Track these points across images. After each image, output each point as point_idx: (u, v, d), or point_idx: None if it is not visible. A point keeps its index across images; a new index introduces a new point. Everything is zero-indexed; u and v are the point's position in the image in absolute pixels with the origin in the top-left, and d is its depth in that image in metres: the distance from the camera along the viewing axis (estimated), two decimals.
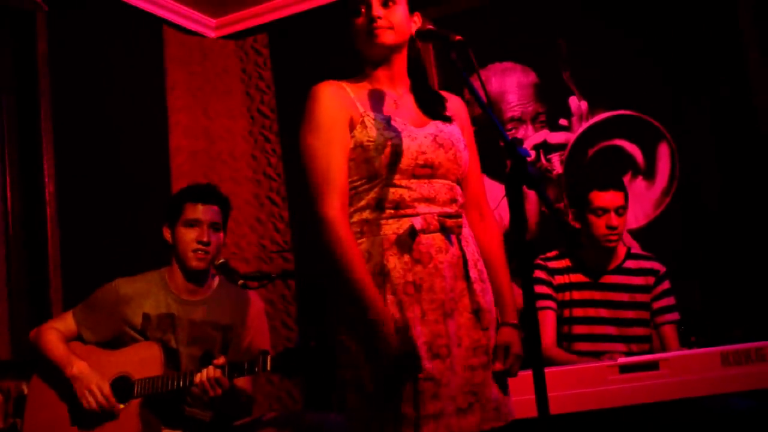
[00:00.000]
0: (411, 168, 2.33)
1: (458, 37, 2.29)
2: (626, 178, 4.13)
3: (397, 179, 2.33)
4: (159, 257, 3.38)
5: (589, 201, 3.51)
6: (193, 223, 3.26)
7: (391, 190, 2.33)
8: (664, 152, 4.11)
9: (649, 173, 4.13)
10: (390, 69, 2.47)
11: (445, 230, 2.35)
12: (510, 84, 4.45)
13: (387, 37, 2.41)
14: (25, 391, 3.37)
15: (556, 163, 4.31)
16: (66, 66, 4.25)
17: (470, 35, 4.33)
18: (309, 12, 4.83)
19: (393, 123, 2.37)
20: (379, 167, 2.32)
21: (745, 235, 3.92)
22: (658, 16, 4.15)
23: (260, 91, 5.02)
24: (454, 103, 2.57)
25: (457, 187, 2.43)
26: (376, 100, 2.43)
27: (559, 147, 4.32)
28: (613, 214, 3.48)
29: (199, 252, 3.24)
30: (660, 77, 4.11)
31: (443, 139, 2.40)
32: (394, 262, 2.30)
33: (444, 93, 2.57)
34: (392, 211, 2.33)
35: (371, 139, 2.33)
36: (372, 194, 2.34)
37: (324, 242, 2.30)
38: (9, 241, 4.04)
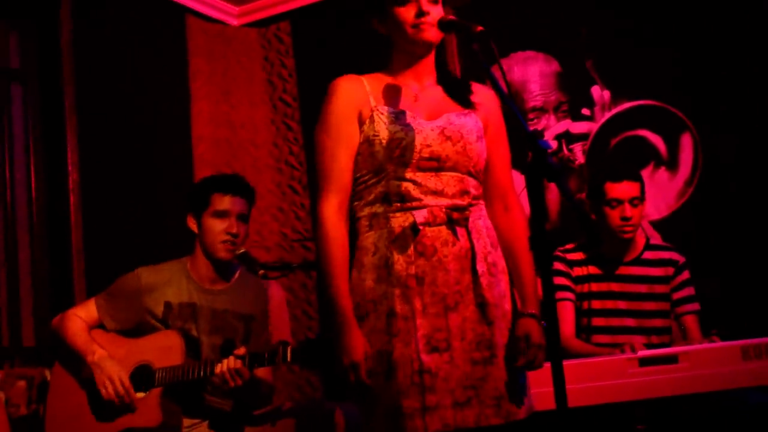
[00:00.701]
0: (416, 161, 2.34)
1: (480, 28, 2.28)
2: (648, 169, 4.11)
3: (403, 172, 2.34)
4: (181, 246, 3.39)
5: (603, 192, 3.49)
6: (222, 215, 3.26)
7: (398, 183, 2.34)
8: (687, 143, 4.09)
9: (672, 164, 4.11)
10: (420, 63, 2.48)
11: (451, 223, 2.34)
12: (532, 73, 4.43)
13: (432, 35, 2.42)
14: (48, 377, 3.40)
15: (579, 153, 4.29)
16: (90, 54, 4.27)
17: (492, 23, 4.33)
18: (331, 0, 4.84)
19: (402, 117, 2.38)
20: (383, 161, 2.35)
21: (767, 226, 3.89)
22: (681, 5, 4.11)
23: (282, 79, 5.02)
24: (484, 95, 2.54)
25: (469, 179, 2.41)
26: (393, 93, 2.44)
27: (581, 137, 4.30)
28: (627, 205, 3.46)
29: (228, 243, 3.25)
30: (683, 67, 4.08)
31: (452, 131, 2.39)
32: (398, 255, 2.32)
33: (475, 84, 2.55)
34: (399, 204, 2.34)
35: (376, 134, 2.36)
36: (379, 188, 2.37)
37: (315, 237, 2.41)
38: (33, 229, 4.08)
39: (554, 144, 4.34)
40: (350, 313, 2.32)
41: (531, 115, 4.41)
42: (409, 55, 2.47)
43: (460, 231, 2.36)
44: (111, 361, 3.16)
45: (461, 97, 2.49)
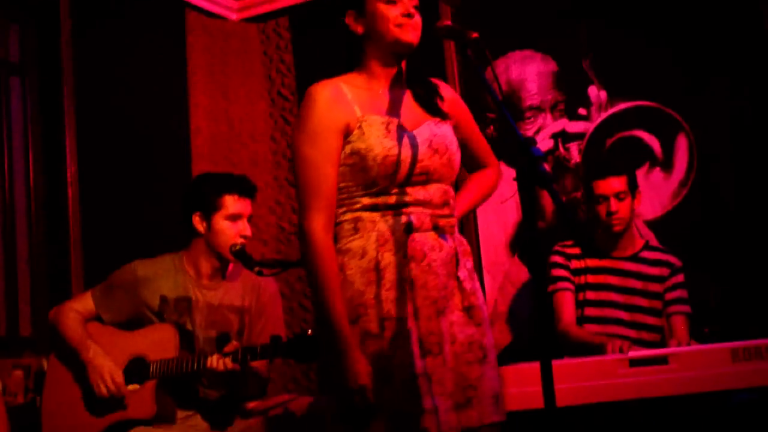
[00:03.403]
0: (408, 177, 2.32)
1: (475, 35, 2.27)
2: (643, 169, 4.12)
3: (393, 187, 2.32)
4: (178, 239, 3.41)
5: (591, 190, 3.64)
6: (235, 218, 3.30)
7: (387, 196, 2.33)
8: (682, 144, 4.10)
9: (667, 165, 4.12)
10: (395, 66, 2.43)
11: (438, 229, 2.35)
12: (530, 72, 4.44)
13: (414, 37, 2.38)
14: (45, 367, 3.43)
15: (575, 152, 4.30)
16: (89, 48, 4.27)
17: (490, 22, 4.40)
18: None
19: (391, 128, 2.34)
20: (376, 177, 2.31)
21: (761, 228, 3.90)
22: (679, 7, 4.12)
23: (281, 73, 5.03)
24: (449, 96, 2.54)
25: (450, 190, 2.43)
26: (374, 100, 2.39)
27: (577, 136, 4.31)
28: (613, 199, 3.58)
29: (239, 245, 3.28)
30: (680, 69, 4.09)
31: (438, 143, 2.38)
32: (389, 259, 2.30)
33: (434, 80, 2.53)
34: (387, 211, 2.33)
35: (369, 148, 2.30)
36: (367, 199, 2.33)
37: (305, 257, 2.31)
38: (31, 220, 4.09)
39: (550, 143, 4.36)
40: (351, 336, 2.25)
41: (528, 114, 4.42)
42: (385, 56, 2.41)
43: (447, 237, 2.37)
44: (104, 358, 3.20)
45: (432, 104, 2.47)
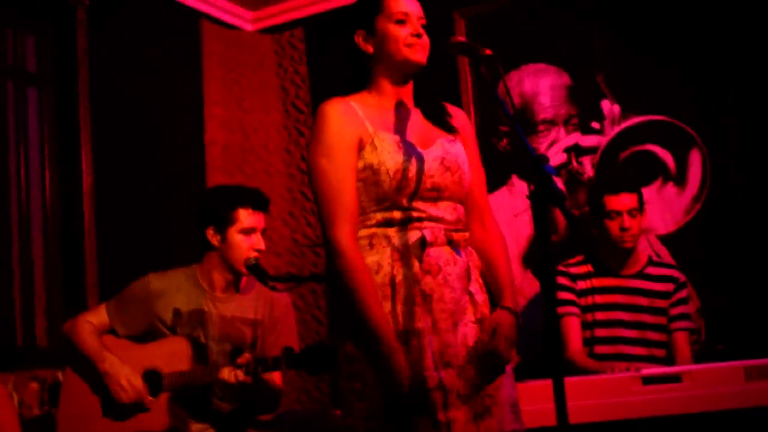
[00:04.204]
0: (419, 192, 2.35)
1: (488, 52, 2.30)
2: (657, 184, 4.12)
3: (406, 201, 2.35)
4: (193, 251, 3.43)
5: (603, 205, 3.61)
6: (249, 231, 3.31)
7: (400, 211, 2.35)
8: (695, 159, 4.09)
9: (680, 180, 4.12)
10: (404, 85, 2.47)
11: (452, 244, 2.37)
12: (543, 85, 4.44)
13: (423, 56, 2.41)
14: (60, 379, 3.45)
15: (588, 166, 4.31)
16: (105, 59, 4.31)
17: (505, 35, 4.40)
18: (345, 8, 4.85)
19: (402, 144, 2.37)
20: (388, 191, 2.33)
21: None
22: (693, 22, 4.12)
23: (295, 85, 5.06)
24: (459, 116, 2.57)
25: (461, 207, 2.45)
26: (384, 118, 2.42)
27: (590, 150, 4.31)
28: (626, 216, 3.57)
29: (253, 259, 3.29)
30: (693, 83, 4.09)
31: (450, 161, 2.41)
32: (404, 273, 2.32)
33: (447, 105, 2.57)
34: (400, 227, 2.34)
35: (381, 162, 2.33)
36: (380, 214, 2.35)
37: (336, 270, 2.31)
38: (47, 233, 4.12)
39: (563, 157, 4.36)
40: (395, 340, 2.27)
41: (541, 128, 4.42)
42: (394, 76, 2.44)
43: (461, 251, 2.40)
44: (122, 366, 3.21)
45: (443, 122, 2.50)
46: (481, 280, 2.45)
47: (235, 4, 5.11)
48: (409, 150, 2.37)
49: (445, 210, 2.39)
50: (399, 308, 2.31)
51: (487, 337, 2.35)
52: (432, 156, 2.39)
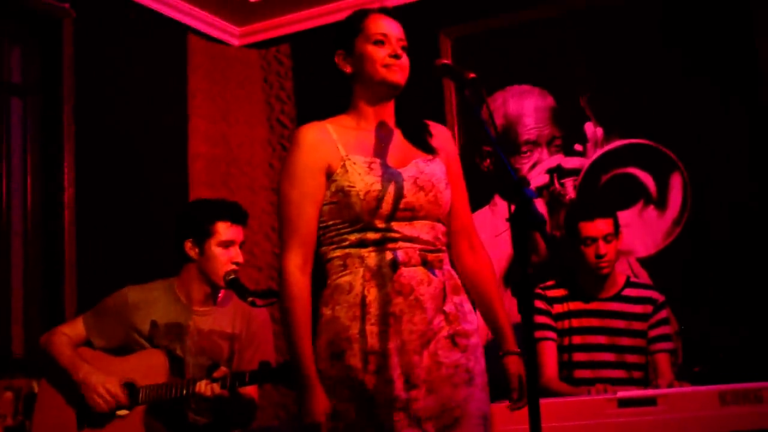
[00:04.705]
0: (392, 212, 2.36)
1: (472, 75, 2.31)
2: (637, 207, 4.15)
3: (379, 222, 2.36)
4: (174, 264, 3.42)
5: (578, 231, 3.60)
6: (228, 244, 3.31)
7: (374, 231, 2.36)
8: (676, 182, 4.12)
9: (661, 203, 4.14)
10: (384, 106, 2.48)
11: (426, 264, 2.38)
12: (527, 107, 4.47)
13: (402, 77, 2.43)
14: (36, 389, 3.43)
15: (570, 188, 4.33)
16: (90, 71, 4.31)
17: (490, 56, 4.44)
18: (332, 26, 4.88)
19: (374, 166, 2.39)
20: (360, 212, 2.35)
21: (754, 268, 3.92)
22: (677, 46, 4.16)
23: (280, 100, 5.07)
24: (441, 134, 2.59)
25: (439, 225, 2.45)
26: (360, 140, 2.44)
27: (573, 172, 4.34)
28: (601, 242, 3.57)
29: (232, 274, 3.29)
30: (676, 107, 4.12)
31: (424, 181, 2.42)
32: (375, 294, 2.33)
33: (430, 123, 2.58)
34: (374, 247, 2.36)
35: (352, 185, 2.35)
36: (354, 235, 2.37)
37: (279, 293, 2.38)
38: (27, 243, 4.10)
39: (545, 178, 4.38)
40: (314, 374, 2.32)
41: (524, 148, 4.45)
42: (373, 96, 2.46)
43: (436, 272, 2.40)
44: (97, 374, 3.20)
45: (423, 142, 2.51)
46: (458, 300, 2.44)
47: (222, 19, 5.13)
48: (382, 171, 2.39)
49: (420, 229, 2.40)
50: (368, 328, 2.32)
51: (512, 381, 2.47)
52: (405, 176, 2.40)
